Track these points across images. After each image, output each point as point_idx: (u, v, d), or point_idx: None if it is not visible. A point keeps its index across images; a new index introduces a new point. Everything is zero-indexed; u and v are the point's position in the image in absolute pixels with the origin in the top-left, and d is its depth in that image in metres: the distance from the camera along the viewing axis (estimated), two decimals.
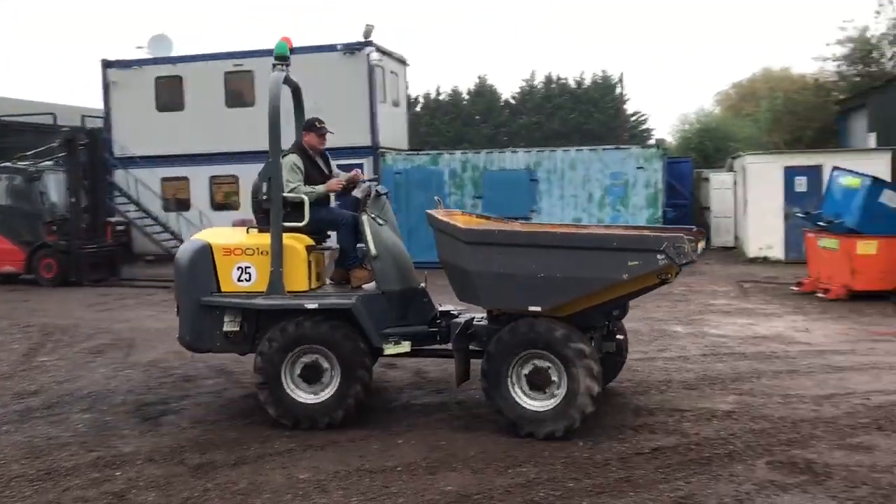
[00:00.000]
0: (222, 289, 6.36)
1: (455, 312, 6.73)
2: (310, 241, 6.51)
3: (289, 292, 6.24)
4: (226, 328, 6.34)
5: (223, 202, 24.31)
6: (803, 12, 79.97)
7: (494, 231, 6.33)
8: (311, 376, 6.20)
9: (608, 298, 5.97)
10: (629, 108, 46.69)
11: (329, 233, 7.05)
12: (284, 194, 6.35)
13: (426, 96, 52.10)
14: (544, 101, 49.85)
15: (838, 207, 13.43)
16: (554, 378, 5.82)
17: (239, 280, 6.33)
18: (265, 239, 6.31)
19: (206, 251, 6.38)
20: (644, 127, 50.65)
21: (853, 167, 15.29)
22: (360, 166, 23.43)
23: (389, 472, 5.29)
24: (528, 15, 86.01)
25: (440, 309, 6.79)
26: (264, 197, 6.38)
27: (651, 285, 6.02)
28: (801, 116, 34.20)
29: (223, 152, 23.09)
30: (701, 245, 6.10)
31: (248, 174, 24.23)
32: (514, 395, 5.88)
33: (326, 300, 6.31)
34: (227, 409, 6.96)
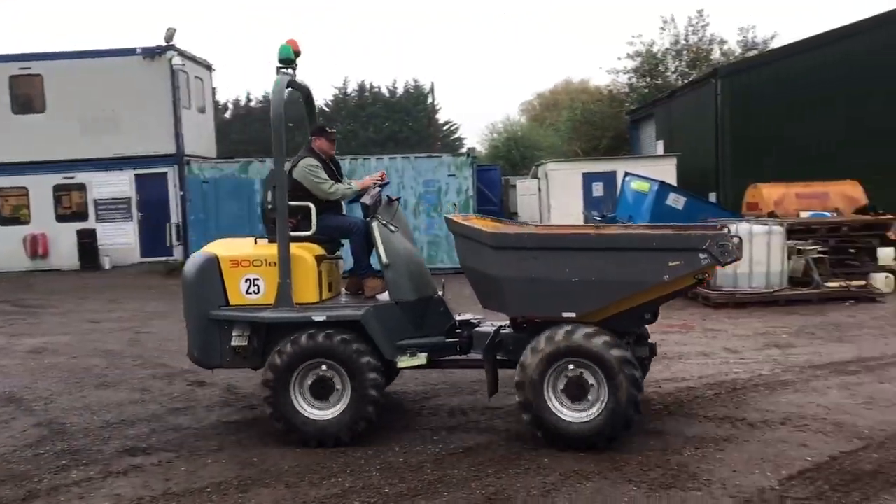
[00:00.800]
0: (231, 302, 6.11)
1: (475, 321, 6.51)
2: (320, 251, 6.28)
3: (298, 304, 6.01)
4: (234, 343, 6.07)
5: (11, 216, 22.41)
6: (600, 26, 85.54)
7: (524, 235, 6.04)
8: (321, 392, 5.95)
9: (644, 301, 5.70)
10: (441, 117, 47.79)
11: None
12: (328, 190, 6.35)
13: (236, 103, 50.69)
14: (358, 109, 49.96)
15: (631, 210, 14.48)
16: (591, 383, 5.54)
17: (247, 293, 6.09)
18: (273, 249, 6.06)
19: (213, 263, 6.13)
20: (456, 136, 52.08)
21: (644, 172, 16.53)
22: (164, 175, 22.62)
23: (198, 494, 5.05)
24: (341, 21, 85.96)
25: (459, 318, 6.53)
26: (270, 206, 6.17)
27: (686, 286, 5.82)
28: (598, 126, 36.60)
29: (10, 162, 21.28)
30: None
31: (38, 186, 22.65)
32: (551, 406, 5.57)
33: (335, 312, 6.06)
34: (14, 439, 6.37)
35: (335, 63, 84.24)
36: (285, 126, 6.13)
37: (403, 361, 6.01)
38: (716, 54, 35.21)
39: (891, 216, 13.98)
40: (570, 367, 5.52)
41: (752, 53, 32.43)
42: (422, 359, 6.02)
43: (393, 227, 6.34)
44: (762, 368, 7.94)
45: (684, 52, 35.50)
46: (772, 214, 14.85)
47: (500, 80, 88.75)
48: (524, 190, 23.91)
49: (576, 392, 5.53)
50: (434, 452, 5.69)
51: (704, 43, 35.60)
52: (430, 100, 45.67)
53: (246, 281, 6.07)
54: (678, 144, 22.78)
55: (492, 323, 6.45)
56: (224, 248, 6.35)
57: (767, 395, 6.93)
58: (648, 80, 35.81)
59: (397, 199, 6.85)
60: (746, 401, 6.79)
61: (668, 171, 19.33)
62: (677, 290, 5.77)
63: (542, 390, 5.53)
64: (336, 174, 6.74)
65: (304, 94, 7.01)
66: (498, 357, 6.07)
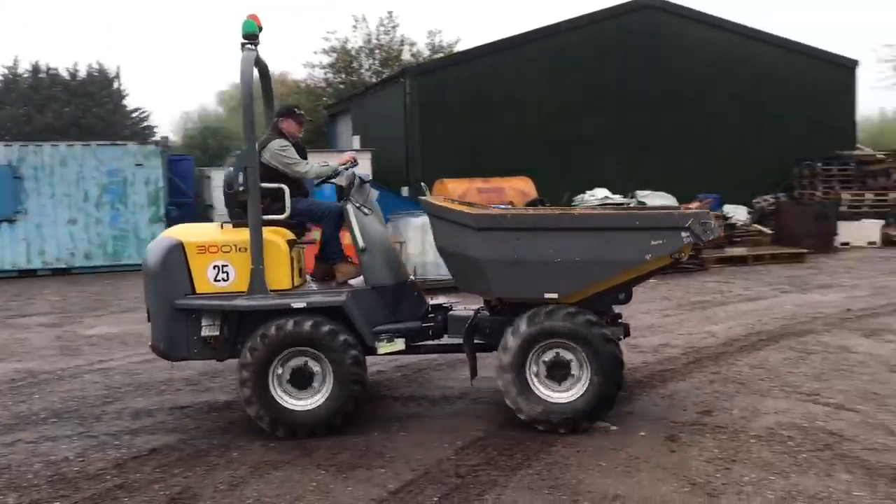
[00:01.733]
0: (197, 290, 5.73)
1: (448, 305, 6.35)
2: (291, 236, 5.99)
3: (271, 291, 5.67)
4: (204, 333, 5.71)
5: None
6: (296, 20, 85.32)
7: (507, 216, 5.82)
8: (302, 381, 5.63)
9: (622, 281, 5.70)
10: (130, 103, 44.62)
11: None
12: (300, 170, 6.12)
13: None
14: (32, 91, 44.96)
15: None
16: (574, 371, 5.57)
17: (216, 280, 5.72)
18: (242, 234, 5.73)
19: (177, 249, 5.72)
20: (147, 124, 48.95)
21: None
22: None
23: None
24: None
25: (432, 302, 6.41)
26: (241, 188, 5.74)
27: (663, 266, 5.74)
28: None
29: None
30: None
31: None
32: (534, 389, 5.57)
33: (315, 298, 5.79)
34: None
35: (4, 42, 75.00)
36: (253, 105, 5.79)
37: (383, 347, 5.89)
38: (406, 55, 36.86)
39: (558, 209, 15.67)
40: (553, 348, 5.58)
41: (438, 56, 34.42)
42: (400, 344, 5.94)
43: (366, 211, 6.17)
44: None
45: (377, 51, 36.72)
46: None
47: (197, 68, 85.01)
48: (220, 182, 23.14)
49: (558, 373, 5.59)
50: (115, 458, 5.37)
51: (395, 43, 37.11)
52: (116, 85, 42.47)
53: (214, 268, 5.74)
54: (373, 140, 23.54)
55: (465, 307, 6.39)
56: (189, 233, 5.97)
57: (448, 373, 7.47)
58: (344, 76, 36.54)
59: (369, 182, 6.56)
60: (430, 379, 7.27)
61: (363, 165, 19.91)
62: (654, 269, 5.80)
63: (524, 372, 5.55)
64: (303, 158, 6.41)
65: (262, 71, 6.59)
66: (475, 341, 6.05)
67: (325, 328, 5.59)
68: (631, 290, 6.12)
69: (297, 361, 5.66)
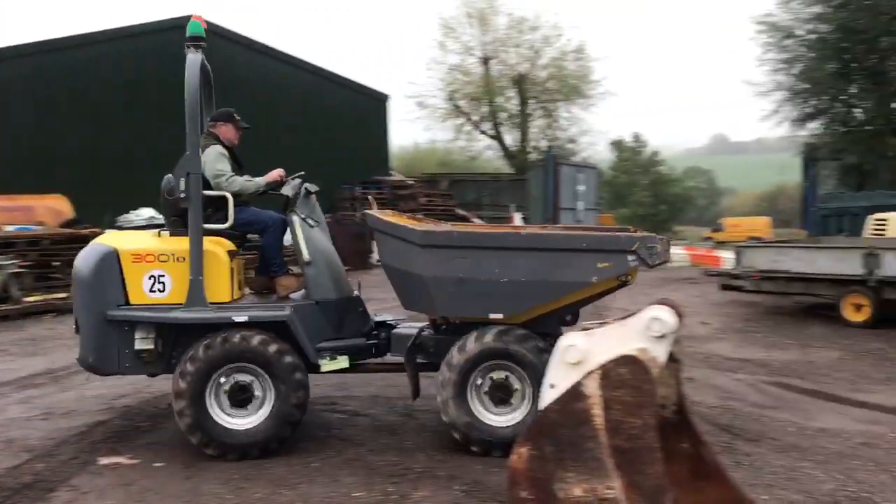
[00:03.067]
0: (131, 301, 5.44)
1: (393, 322, 6.13)
2: (231, 246, 5.72)
3: (211, 304, 5.37)
4: (138, 346, 5.43)
5: None
6: None
7: (454, 233, 5.61)
8: (241, 399, 5.34)
9: (570, 303, 5.57)
10: None
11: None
12: (223, 184, 5.75)
13: None
14: None
15: None
16: (517, 387, 5.39)
17: (151, 291, 5.44)
18: (181, 244, 5.46)
19: (111, 258, 5.42)
20: None
21: None
22: None
23: None
24: None
25: (376, 319, 6.14)
26: (182, 195, 5.39)
27: (610, 289, 5.59)
28: None
29: None
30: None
31: None
32: (473, 410, 5.38)
33: (257, 312, 5.49)
34: None
35: None
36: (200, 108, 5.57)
37: (326, 365, 5.61)
38: None
39: (95, 229, 14.60)
40: (496, 369, 5.40)
41: None
42: (343, 362, 5.66)
43: (312, 222, 5.95)
44: None
45: None
46: None
47: None
48: None
49: (500, 395, 5.41)
50: None
51: None
52: None
53: (150, 278, 5.48)
54: None
55: (410, 324, 6.14)
56: (123, 240, 5.69)
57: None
58: None
59: (315, 192, 6.16)
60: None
61: None
62: (601, 292, 5.66)
63: (465, 392, 5.35)
64: (239, 166, 6.15)
65: (205, 74, 6.21)
66: (418, 360, 5.80)
67: (258, 341, 5.31)
68: (577, 311, 6.01)
69: (238, 378, 5.37)
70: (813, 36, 19.72)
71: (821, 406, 6.80)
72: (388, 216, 5.79)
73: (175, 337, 5.56)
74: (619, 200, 53.03)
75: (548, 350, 5.16)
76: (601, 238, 5.51)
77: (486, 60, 30.10)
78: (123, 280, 5.45)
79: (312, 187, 6.14)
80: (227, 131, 6.24)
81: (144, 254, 5.51)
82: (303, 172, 6.11)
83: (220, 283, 5.55)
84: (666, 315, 3.90)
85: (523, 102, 30.00)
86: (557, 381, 3.92)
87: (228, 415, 5.38)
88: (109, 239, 5.72)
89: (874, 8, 17.78)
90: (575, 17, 62.88)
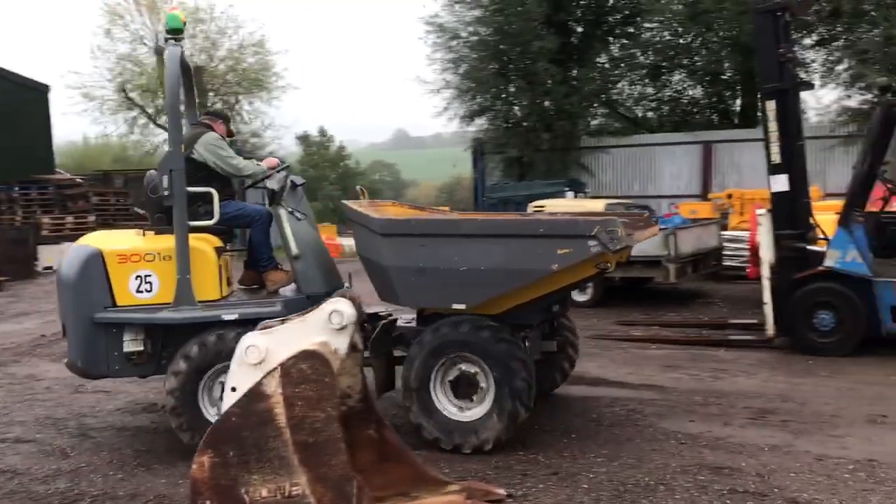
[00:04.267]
0: (118, 302, 5.33)
1: (384, 314, 5.86)
2: (218, 243, 5.62)
3: (199, 302, 5.30)
4: (127, 348, 5.36)
5: None
6: None
7: (411, 221, 5.61)
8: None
9: (543, 292, 5.22)
10: None
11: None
12: (236, 164, 5.76)
13: None
14: None
15: None
16: (482, 384, 5.18)
17: (138, 291, 5.34)
18: (166, 242, 5.36)
19: (96, 259, 5.31)
20: None
21: None
22: None
23: None
24: None
25: (368, 312, 5.44)
26: (166, 192, 5.30)
27: (590, 276, 5.39)
28: None
29: None
30: (651, 231, 5.76)
31: None
32: (437, 404, 5.22)
33: (247, 309, 5.39)
34: None
35: None
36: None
37: None
38: None
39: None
40: (457, 362, 5.23)
41: None
42: None
43: (299, 215, 5.75)
44: None
45: None
46: None
47: None
48: None
49: (464, 390, 5.23)
50: None
51: None
52: None
53: (136, 278, 5.36)
54: None
55: (401, 317, 5.90)
56: (107, 240, 5.57)
57: None
58: None
59: (302, 185, 6.03)
60: None
61: None
62: (580, 279, 5.40)
63: (428, 388, 5.22)
64: None
65: (185, 68, 5.95)
66: (396, 353, 5.66)
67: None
68: (566, 299, 5.77)
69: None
70: (475, 38, 21.32)
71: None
72: (359, 206, 5.82)
73: (164, 337, 5.49)
74: (309, 194, 53.38)
75: (503, 337, 5.15)
76: (558, 223, 5.37)
77: (159, 51, 28.51)
78: (109, 281, 5.36)
79: (298, 179, 6.06)
80: (220, 128, 6.12)
81: (129, 254, 5.43)
82: (288, 164, 6.04)
83: (208, 280, 5.48)
84: (345, 307, 3.99)
85: (202, 95, 28.91)
86: (238, 383, 3.84)
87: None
88: (94, 240, 5.63)
89: (526, 14, 19.67)
90: (254, 8, 61.87)
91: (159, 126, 29.75)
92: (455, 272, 5.11)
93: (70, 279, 5.37)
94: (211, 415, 5.24)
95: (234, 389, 3.84)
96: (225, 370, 5.18)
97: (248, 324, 5.24)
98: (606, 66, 22.67)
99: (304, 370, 3.78)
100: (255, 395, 3.76)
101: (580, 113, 21.17)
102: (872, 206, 8.45)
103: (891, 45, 14.36)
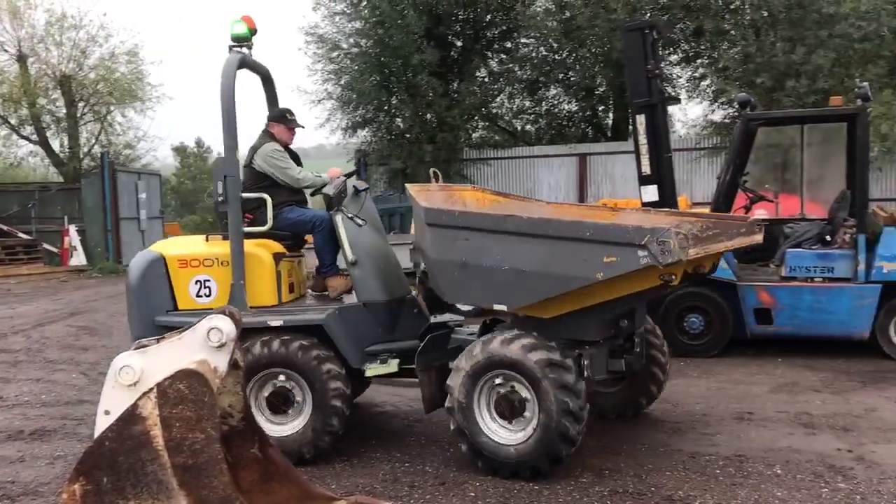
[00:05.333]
0: (179, 306, 5.49)
1: (452, 324, 5.74)
2: (279, 248, 5.68)
3: (252, 308, 5.34)
4: None
5: None
6: None
7: (455, 212, 5.16)
8: (279, 404, 5.26)
9: (595, 301, 4.71)
10: None
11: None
12: (295, 176, 5.86)
13: None
14: None
15: None
16: (528, 402, 4.80)
17: (198, 295, 5.47)
18: (225, 247, 5.43)
19: (158, 263, 5.52)
20: None
21: None
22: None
23: None
24: None
25: (435, 320, 5.77)
26: (220, 198, 5.41)
27: (654, 287, 4.62)
28: None
29: None
30: (735, 242, 5.00)
31: None
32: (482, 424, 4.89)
33: (294, 316, 5.37)
34: None
35: None
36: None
37: (372, 370, 5.38)
38: None
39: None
40: (498, 381, 4.85)
41: None
42: (393, 366, 5.38)
43: (360, 221, 5.74)
44: None
45: None
46: None
47: None
48: None
49: (508, 410, 4.83)
50: None
51: None
52: None
53: (196, 282, 5.48)
54: None
55: (469, 325, 5.76)
56: (172, 246, 5.77)
57: None
58: None
59: (365, 190, 5.98)
60: None
61: None
62: (642, 290, 4.67)
63: (472, 412, 4.87)
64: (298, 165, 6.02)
65: (262, 75, 6.32)
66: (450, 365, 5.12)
67: (295, 346, 5.18)
68: (634, 314, 5.15)
69: (277, 383, 5.27)
70: (356, 49, 21.21)
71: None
72: (418, 191, 5.58)
73: None
74: (187, 207, 51.67)
75: (539, 347, 4.76)
76: (606, 228, 4.71)
77: (22, 58, 26.89)
78: (171, 285, 5.49)
79: (361, 185, 6.01)
80: (280, 131, 6.15)
81: (189, 259, 5.54)
82: (352, 173, 6.04)
83: (264, 285, 5.51)
84: (224, 324, 3.87)
85: (71, 105, 27.46)
86: (111, 406, 3.66)
87: (269, 421, 5.26)
88: (159, 246, 5.76)
89: (406, 27, 19.74)
90: (126, 17, 59.46)
91: (24, 138, 28.10)
92: (498, 271, 4.82)
93: (134, 282, 5.58)
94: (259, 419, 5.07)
95: (107, 413, 3.66)
96: (270, 377, 5.31)
97: (295, 331, 5.33)
98: (486, 79, 23.05)
99: (181, 390, 3.64)
100: (131, 417, 3.59)
101: (462, 125, 21.44)
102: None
103: (749, 62, 15.27)
